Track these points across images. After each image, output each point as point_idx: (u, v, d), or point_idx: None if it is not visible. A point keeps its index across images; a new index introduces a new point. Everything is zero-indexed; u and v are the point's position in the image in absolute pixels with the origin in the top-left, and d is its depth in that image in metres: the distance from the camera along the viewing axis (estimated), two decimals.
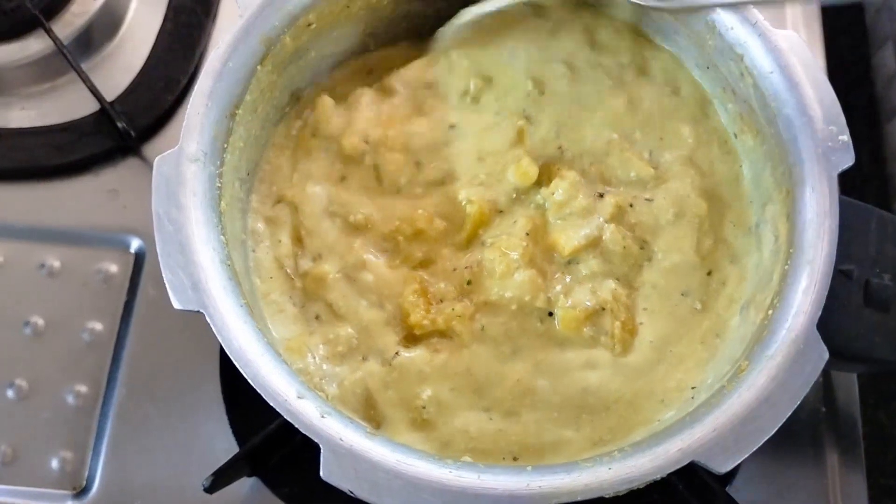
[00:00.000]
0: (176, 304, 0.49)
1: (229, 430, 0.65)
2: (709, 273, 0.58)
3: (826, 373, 0.69)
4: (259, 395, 0.48)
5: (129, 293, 0.70)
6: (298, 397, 0.47)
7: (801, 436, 0.67)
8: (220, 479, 0.57)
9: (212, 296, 0.49)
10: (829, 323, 0.51)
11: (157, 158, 0.52)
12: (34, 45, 0.78)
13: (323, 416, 0.47)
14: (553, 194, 0.59)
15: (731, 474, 0.65)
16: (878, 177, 0.89)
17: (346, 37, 0.64)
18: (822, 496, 0.65)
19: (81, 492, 0.64)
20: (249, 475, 0.63)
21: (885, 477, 0.81)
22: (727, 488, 0.63)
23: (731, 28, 0.57)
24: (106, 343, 0.69)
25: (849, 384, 0.70)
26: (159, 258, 0.50)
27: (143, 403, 0.67)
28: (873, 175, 0.89)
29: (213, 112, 0.54)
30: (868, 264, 0.54)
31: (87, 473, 0.65)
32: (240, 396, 0.66)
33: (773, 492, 0.65)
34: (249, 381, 0.48)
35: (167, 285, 0.49)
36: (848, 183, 0.87)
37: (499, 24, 0.65)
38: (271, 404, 0.47)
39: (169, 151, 0.52)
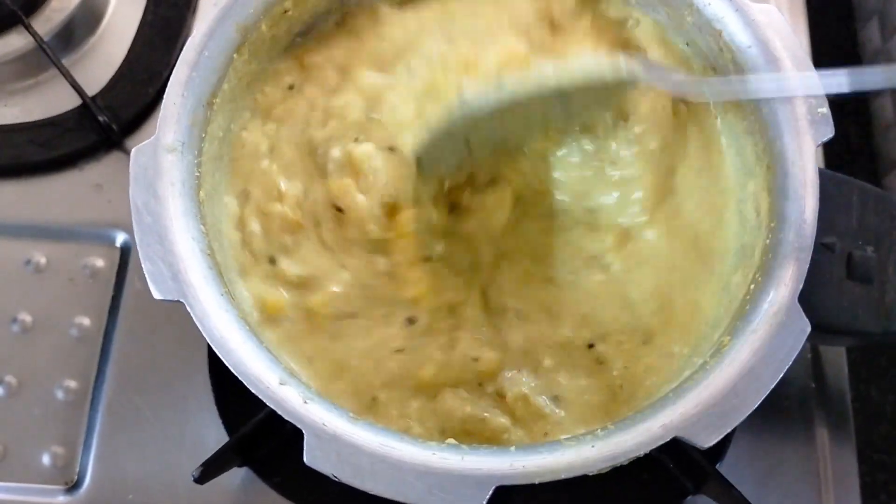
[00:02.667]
0: (156, 295, 0.49)
1: (219, 421, 0.65)
2: None
3: (815, 348, 0.69)
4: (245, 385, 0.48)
5: (116, 287, 0.70)
6: (280, 384, 0.47)
7: (790, 412, 0.67)
8: (210, 469, 0.57)
9: (192, 285, 0.49)
10: (812, 296, 0.51)
11: (134, 149, 0.52)
12: (14, 42, 0.77)
13: (306, 402, 0.47)
14: None
15: (721, 452, 0.65)
16: (867, 152, 0.89)
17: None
18: (813, 472, 0.66)
19: (73, 486, 0.65)
20: (240, 465, 0.63)
21: (877, 452, 0.81)
22: (717, 466, 0.63)
23: (709, 3, 0.57)
24: (94, 338, 0.69)
25: (838, 359, 0.70)
26: (138, 249, 0.49)
27: (132, 397, 0.67)
28: (861, 151, 0.89)
29: (190, 101, 0.54)
30: (850, 237, 0.54)
31: (78, 468, 0.65)
32: (229, 387, 0.65)
33: (764, 468, 0.65)
34: (231, 369, 0.48)
35: (147, 276, 0.49)
36: (836, 158, 0.87)
37: None
38: (253, 391, 0.47)
39: (146, 142, 0.52)
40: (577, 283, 0.57)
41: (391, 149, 0.57)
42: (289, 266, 0.56)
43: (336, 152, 0.58)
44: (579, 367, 0.56)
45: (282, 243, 0.57)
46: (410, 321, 0.56)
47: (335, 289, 0.56)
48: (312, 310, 0.56)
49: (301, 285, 0.56)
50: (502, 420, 0.54)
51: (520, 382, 0.55)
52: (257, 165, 0.59)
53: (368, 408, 0.54)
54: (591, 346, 0.56)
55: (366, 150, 0.57)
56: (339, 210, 0.57)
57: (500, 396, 0.55)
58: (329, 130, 0.59)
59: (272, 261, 0.57)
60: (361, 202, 0.56)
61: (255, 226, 0.57)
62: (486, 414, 0.54)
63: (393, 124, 0.58)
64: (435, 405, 0.54)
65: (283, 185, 0.58)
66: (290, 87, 0.62)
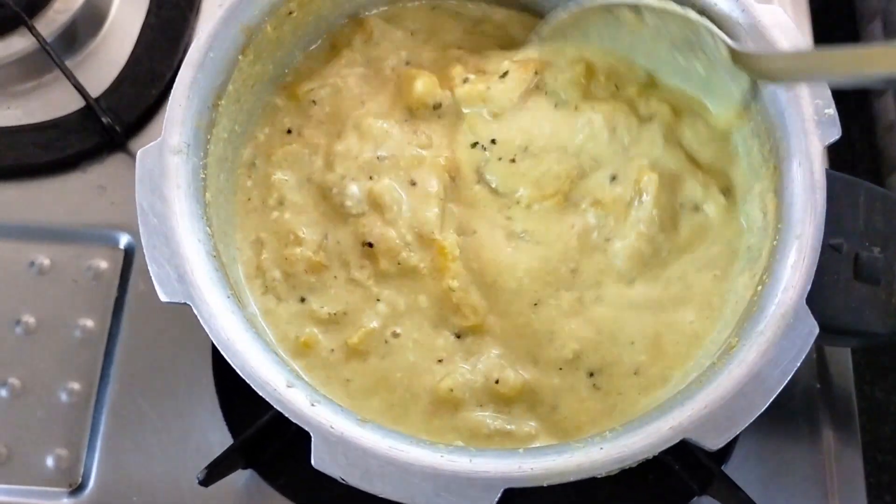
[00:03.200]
0: (162, 297, 0.49)
1: (224, 423, 0.65)
2: None
3: (820, 349, 0.69)
4: (252, 387, 0.48)
5: (120, 289, 0.70)
6: (288, 386, 0.47)
7: (796, 413, 0.67)
8: (215, 471, 0.57)
9: (198, 287, 0.49)
10: (820, 297, 0.51)
11: (139, 151, 0.52)
12: (17, 44, 0.77)
13: (313, 405, 0.47)
14: None
15: (727, 453, 0.65)
16: (870, 152, 0.89)
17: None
18: (819, 473, 0.65)
19: (77, 489, 0.64)
20: (244, 467, 0.63)
21: (881, 453, 0.81)
22: (723, 467, 0.63)
23: (716, 4, 0.56)
24: (98, 339, 0.68)
25: (843, 360, 0.70)
26: (144, 251, 0.49)
27: (136, 399, 0.67)
28: (864, 150, 0.89)
29: (196, 103, 0.54)
30: (857, 238, 0.54)
31: (82, 470, 0.65)
32: (233, 389, 0.65)
33: (770, 469, 0.65)
34: (238, 371, 0.48)
35: (153, 278, 0.49)
36: (839, 158, 0.87)
37: None
38: (261, 394, 0.47)
39: (152, 144, 0.52)
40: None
41: (413, 183, 0.59)
42: (320, 305, 0.57)
43: (354, 190, 0.59)
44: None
45: (309, 283, 0.57)
46: (458, 336, 0.57)
47: (374, 324, 0.56)
48: (350, 346, 0.56)
49: (334, 322, 0.56)
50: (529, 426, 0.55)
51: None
52: (268, 217, 0.59)
53: (396, 421, 0.54)
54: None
55: (388, 185, 0.59)
56: (369, 245, 0.57)
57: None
58: (340, 171, 0.60)
59: (302, 300, 0.57)
60: (391, 234, 0.57)
61: (275, 273, 0.58)
62: (510, 427, 0.54)
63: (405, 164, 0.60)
64: (458, 421, 0.54)
65: (302, 231, 0.58)
66: (289, 132, 0.62)
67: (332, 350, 0.56)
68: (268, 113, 0.62)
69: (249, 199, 0.60)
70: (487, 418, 0.54)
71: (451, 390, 0.54)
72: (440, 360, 0.55)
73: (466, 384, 0.54)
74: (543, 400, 0.55)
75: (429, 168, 0.60)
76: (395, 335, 0.56)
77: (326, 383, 0.54)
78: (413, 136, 0.61)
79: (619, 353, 0.55)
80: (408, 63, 0.64)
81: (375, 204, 0.59)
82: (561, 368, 0.55)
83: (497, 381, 0.54)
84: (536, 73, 0.62)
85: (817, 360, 0.69)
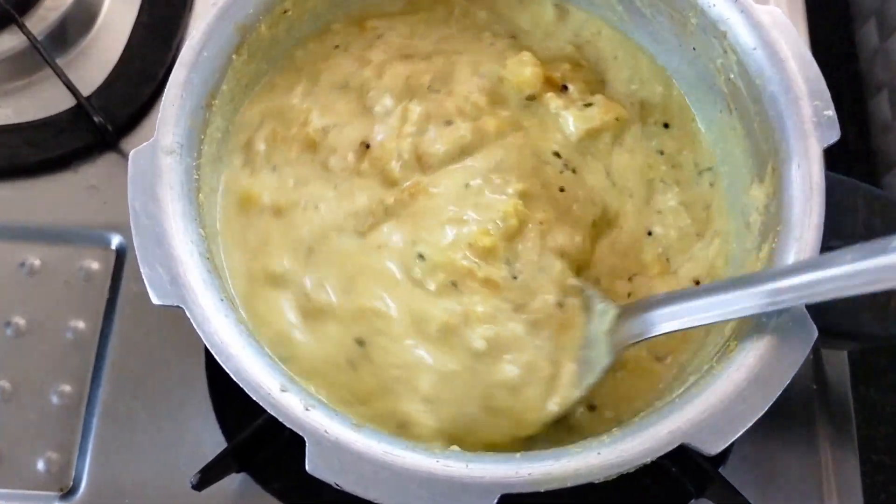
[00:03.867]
0: (154, 300, 0.48)
1: (217, 426, 0.65)
2: None
3: (817, 351, 0.69)
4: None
5: (112, 290, 0.69)
6: (282, 390, 0.47)
7: (793, 414, 0.67)
8: (208, 475, 0.57)
9: (191, 289, 0.48)
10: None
11: (132, 152, 0.51)
12: (8, 42, 0.76)
13: (307, 409, 0.46)
14: None
15: (724, 455, 0.64)
16: (865, 152, 0.89)
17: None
18: (816, 474, 0.65)
19: (69, 492, 0.64)
20: (238, 471, 0.62)
21: (877, 453, 0.81)
22: (720, 469, 0.63)
23: (714, 5, 0.56)
24: (89, 341, 0.68)
25: (840, 362, 0.69)
26: (136, 253, 0.49)
27: (128, 401, 0.66)
28: (860, 150, 0.89)
29: (189, 103, 0.53)
30: (856, 240, 0.53)
31: (73, 474, 0.64)
32: (227, 392, 0.65)
33: (767, 471, 0.65)
34: (232, 375, 0.47)
35: (145, 280, 0.48)
36: (834, 159, 0.86)
37: None
38: (254, 398, 0.47)
39: (144, 144, 0.51)
40: None
41: (448, 122, 0.59)
42: (284, 176, 0.58)
43: (389, 102, 0.60)
44: None
45: (286, 156, 0.58)
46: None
47: (321, 206, 0.57)
48: (280, 208, 0.57)
49: (286, 195, 0.58)
50: None
51: None
52: (286, 100, 0.61)
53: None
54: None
55: (423, 111, 0.59)
56: (366, 146, 0.58)
57: None
58: (386, 81, 0.61)
59: (274, 168, 0.58)
60: (392, 145, 0.58)
61: (260, 146, 0.59)
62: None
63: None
64: None
65: (316, 117, 0.60)
66: (336, 47, 0.63)
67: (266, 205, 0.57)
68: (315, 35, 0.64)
69: (274, 88, 0.62)
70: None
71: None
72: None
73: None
74: None
75: (478, 128, 0.60)
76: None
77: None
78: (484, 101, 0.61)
79: None
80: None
81: (402, 116, 0.59)
82: None
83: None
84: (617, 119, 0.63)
85: (814, 363, 0.69)
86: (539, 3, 0.66)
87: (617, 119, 0.62)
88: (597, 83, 0.65)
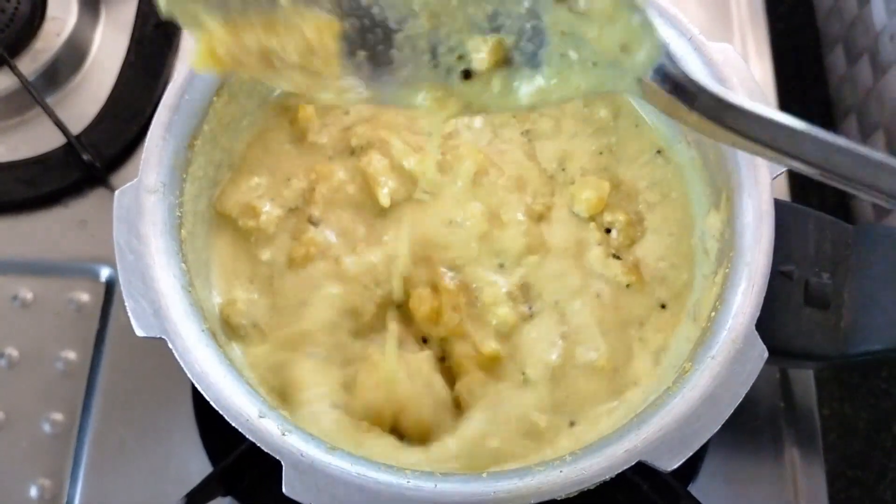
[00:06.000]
0: (138, 332, 0.50)
1: (203, 451, 0.67)
2: None
3: (783, 370, 0.71)
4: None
5: (101, 321, 0.72)
6: (260, 416, 0.49)
7: (760, 431, 0.69)
8: (195, 499, 0.59)
9: (173, 321, 0.51)
10: (772, 322, 0.53)
11: (117, 191, 0.54)
12: (0, 83, 0.79)
13: (284, 434, 0.48)
14: None
15: (693, 473, 0.66)
16: (823, 101, 0.90)
17: None
18: (784, 490, 0.67)
19: None
20: (224, 495, 0.64)
21: (851, 468, 0.83)
22: (689, 487, 0.65)
23: (668, 42, 0.59)
24: (80, 371, 0.70)
25: (806, 380, 0.71)
26: (121, 287, 0.51)
27: (118, 429, 0.68)
28: (818, 99, 0.91)
29: (171, 144, 0.56)
30: (807, 264, 0.56)
31: (65, 500, 0.66)
32: (212, 418, 0.66)
33: (735, 488, 0.67)
34: (212, 402, 0.49)
35: (129, 313, 0.51)
36: (806, 182, 0.89)
37: None
38: (233, 424, 0.49)
39: (129, 184, 0.54)
40: None
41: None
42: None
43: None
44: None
45: None
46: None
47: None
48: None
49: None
50: None
51: None
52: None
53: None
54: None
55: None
56: None
57: None
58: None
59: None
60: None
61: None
62: None
63: None
64: None
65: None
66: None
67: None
68: None
69: None
70: None
71: None
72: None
73: None
74: None
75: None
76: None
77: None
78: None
79: None
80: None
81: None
82: None
83: None
84: None
85: (781, 380, 0.71)
86: None
87: None
88: None
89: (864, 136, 0.89)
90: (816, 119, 0.95)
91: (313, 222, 0.61)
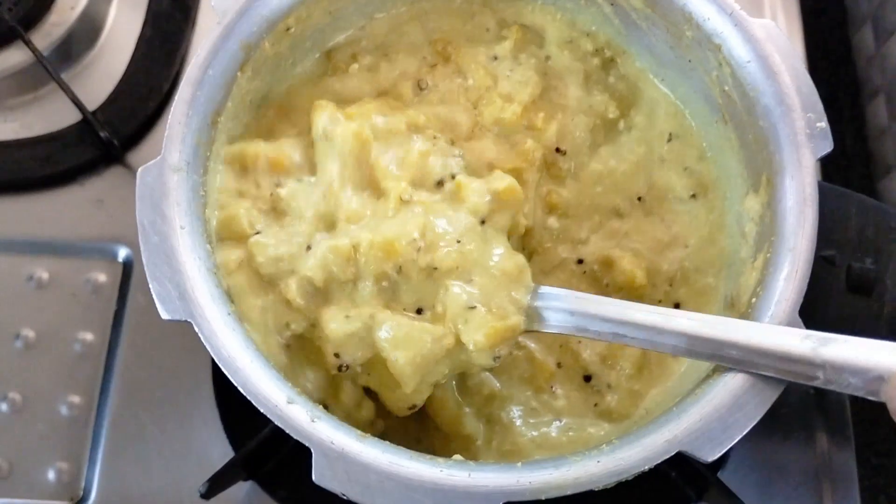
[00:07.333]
0: (163, 315, 0.49)
1: (224, 436, 0.66)
2: None
3: None
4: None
5: (119, 302, 0.71)
6: (288, 402, 0.48)
7: (791, 419, 0.68)
8: (216, 484, 0.58)
9: (199, 304, 0.49)
10: (814, 308, 0.51)
11: (140, 169, 0.52)
12: (14, 57, 0.77)
13: (313, 421, 0.47)
14: None
15: (723, 460, 0.65)
16: (862, 156, 0.89)
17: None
18: (814, 477, 0.66)
19: (79, 502, 0.65)
20: (245, 479, 0.63)
21: (876, 456, 0.82)
22: (719, 474, 0.64)
23: (708, 18, 0.57)
24: (97, 353, 0.69)
25: None
26: (145, 269, 0.50)
27: (137, 412, 0.67)
28: (857, 155, 0.89)
29: (195, 121, 0.54)
30: (850, 249, 0.54)
31: (83, 484, 0.65)
32: (234, 401, 0.66)
33: (765, 475, 0.66)
34: (239, 388, 0.48)
35: (154, 296, 0.49)
36: (832, 164, 0.88)
37: None
38: (262, 410, 0.48)
39: (152, 162, 0.53)
40: None
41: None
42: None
43: None
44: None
45: None
46: None
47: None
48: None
49: None
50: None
51: None
52: None
53: None
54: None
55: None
56: None
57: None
58: None
59: None
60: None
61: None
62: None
63: None
64: None
65: None
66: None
67: None
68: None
69: None
70: None
71: None
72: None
73: None
74: None
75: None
76: None
77: None
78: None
79: None
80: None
81: None
82: None
83: None
84: None
85: None
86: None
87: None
88: None
89: (893, 117, 0.87)
90: (844, 100, 0.93)
91: None
